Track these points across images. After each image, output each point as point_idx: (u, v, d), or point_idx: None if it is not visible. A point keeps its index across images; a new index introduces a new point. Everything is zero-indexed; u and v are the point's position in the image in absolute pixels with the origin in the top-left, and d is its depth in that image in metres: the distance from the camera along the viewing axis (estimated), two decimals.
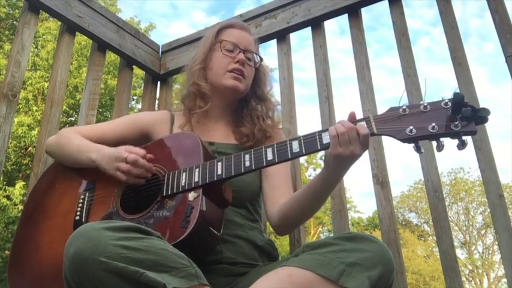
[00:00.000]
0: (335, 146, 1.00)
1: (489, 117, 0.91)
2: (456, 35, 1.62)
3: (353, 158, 1.01)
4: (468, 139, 0.93)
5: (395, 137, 0.96)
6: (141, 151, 1.19)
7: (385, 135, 0.99)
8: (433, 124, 0.93)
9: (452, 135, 0.92)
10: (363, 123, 1.01)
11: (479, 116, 0.91)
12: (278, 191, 1.30)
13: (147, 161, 1.18)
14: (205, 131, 1.41)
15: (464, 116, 0.91)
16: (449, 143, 0.94)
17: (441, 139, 0.94)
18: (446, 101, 0.94)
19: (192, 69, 1.44)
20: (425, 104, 0.96)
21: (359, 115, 1.05)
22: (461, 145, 0.93)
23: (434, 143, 0.96)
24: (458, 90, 0.93)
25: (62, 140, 1.39)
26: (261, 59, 1.48)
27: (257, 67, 1.47)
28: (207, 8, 40.23)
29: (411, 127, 0.95)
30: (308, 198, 1.17)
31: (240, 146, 1.36)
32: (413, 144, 0.97)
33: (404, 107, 0.98)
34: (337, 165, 1.05)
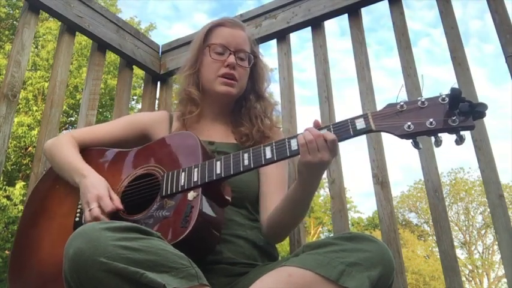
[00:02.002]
0: (304, 154, 1.01)
1: (487, 117, 0.91)
2: (456, 35, 1.62)
3: (322, 164, 1.02)
4: (467, 138, 0.93)
5: (393, 133, 0.96)
6: (108, 206, 1.11)
7: (383, 131, 0.98)
8: (431, 120, 0.93)
9: (450, 130, 0.92)
10: (361, 119, 1.00)
11: (477, 111, 0.91)
12: (270, 199, 1.29)
13: (118, 212, 1.14)
14: (204, 131, 1.41)
15: (461, 111, 0.91)
16: (448, 138, 0.94)
17: (439, 134, 0.94)
18: (443, 96, 0.94)
19: (182, 75, 1.43)
20: (423, 100, 0.96)
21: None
22: (460, 140, 0.92)
23: (432, 139, 0.95)
24: (456, 86, 0.92)
25: (55, 151, 1.36)
26: (255, 57, 1.44)
27: (254, 62, 1.44)
28: (209, 9, 40.21)
29: (409, 123, 0.94)
30: (288, 208, 1.17)
31: (239, 146, 1.36)
32: (411, 140, 0.96)
33: (402, 103, 0.98)
34: (308, 173, 1.05)
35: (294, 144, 1.04)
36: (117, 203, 1.13)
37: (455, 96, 0.90)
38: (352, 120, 1.02)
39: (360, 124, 1.00)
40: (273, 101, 1.50)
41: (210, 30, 1.42)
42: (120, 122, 1.49)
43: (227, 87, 1.35)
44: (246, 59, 1.40)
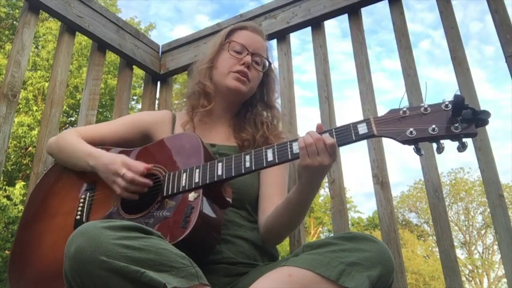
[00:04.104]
0: (304, 157, 1.01)
1: (489, 119, 0.91)
2: (456, 35, 1.63)
3: (322, 168, 1.01)
4: (468, 140, 0.93)
5: (395, 139, 0.96)
6: (140, 167, 1.16)
7: (386, 136, 0.99)
8: (434, 126, 0.93)
9: (453, 137, 0.92)
10: (364, 124, 1.00)
11: (480, 118, 0.91)
12: (269, 201, 1.29)
13: (146, 174, 1.17)
14: (206, 132, 1.41)
15: (464, 118, 0.91)
16: (450, 145, 0.94)
17: (441, 141, 0.94)
18: (446, 103, 0.94)
19: (199, 68, 1.44)
20: (426, 106, 0.96)
21: (359, 115, 1.05)
22: (462, 147, 0.93)
23: (434, 145, 0.96)
24: (459, 93, 0.92)
25: (62, 142, 1.38)
26: (270, 64, 1.46)
27: (267, 72, 1.46)
28: (211, 11, 40.20)
29: (411, 129, 0.95)
30: (287, 212, 1.16)
31: (240, 150, 1.36)
32: (413, 146, 0.97)
33: (404, 109, 0.98)
34: (308, 177, 1.05)
35: (295, 147, 1.04)
36: (145, 164, 1.17)
37: (458, 103, 0.91)
38: (355, 124, 1.01)
39: (362, 129, 1.00)
40: (280, 114, 1.50)
41: (232, 30, 1.45)
42: (122, 121, 1.49)
43: (238, 82, 1.36)
44: (261, 64, 1.43)
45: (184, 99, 1.52)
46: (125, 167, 1.16)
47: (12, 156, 9.87)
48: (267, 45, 1.47)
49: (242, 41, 1.40)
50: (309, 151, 1.00)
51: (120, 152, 1.34)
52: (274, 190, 1.32)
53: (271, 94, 1.48)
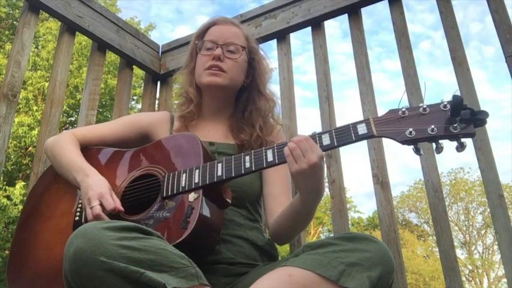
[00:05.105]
0: (292, 164, 1.01)
1: (488, 119, 0.92)
2: (456, 35, 1.63)
3: (313, 168, 1.00)
4: (467, 140, 0.94)
5: (395, 139, 0.97)
6: (111, 206, 1.10)
7: (385, 137, 0.99)
8: (432, 126, 0.93)
9: (451, 137, 0.93)
10: (363, 124, 1.01)
11: (478, 119, 0.91)
12: (276, 201, 1.30)
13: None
14: (204, 132, 1.41)
15: (463, 119, 0.92)
16: (449, 145, 0.95)
17: (440, 141, 0.95)
18: (445, 103, 0.95)
19: (182, 75, 1.48)
20: (425, 107, 0.97)
21: (359, 116, 1.05)
22: (460, 147, 0.93)
23: (433, 145, 0.96)
24: (458, 93, 0.93)
25: (56, 149, 1.35)
26: (244, 48, 1.41)
27: (252, 56, 1.44)
28: (211, 12, 40.24)
29: (411, 129, 0.95)
30: (292, 218, 1.18)
31: (239, 149, 1.36)
32: (412, 146, 0.97)
33: (403, 109, 0.98)
34: (304, 182, 1.04)
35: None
36: (118, 204, 1.13)
37: (457, 104, 0.91)
38: (354, 125, 1.02)
39: (362, 129, 1.00)
40: (276, 99, 1.48)
41: (203, 30, 1.47)
42: (121, 121, 1.49)
43: (212, 77, 1.36)
44: (236, 51, 1.40)
45: None
46: (98, 199, 1.11)
47: (12, 156, 9.87)
48: (241, 31, 1.44)
49: (211, 37, 1.41)
50: (295, 156, 1.01)
51: (118, 153, 1.34)
52: (279, 189, 1.32)
53: (262, 78, 1.45)
